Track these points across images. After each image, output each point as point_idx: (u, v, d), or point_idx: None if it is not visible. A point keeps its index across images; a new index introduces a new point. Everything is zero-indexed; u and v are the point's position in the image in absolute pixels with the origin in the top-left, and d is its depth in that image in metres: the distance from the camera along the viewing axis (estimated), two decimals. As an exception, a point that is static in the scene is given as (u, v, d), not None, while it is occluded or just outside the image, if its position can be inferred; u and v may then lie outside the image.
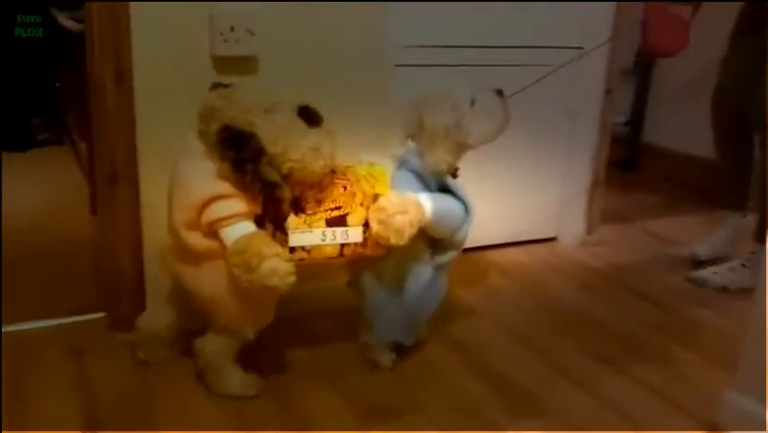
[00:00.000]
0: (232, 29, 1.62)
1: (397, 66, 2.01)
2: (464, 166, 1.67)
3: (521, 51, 2.26)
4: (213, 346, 1.49)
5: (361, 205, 1.47)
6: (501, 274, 2.27)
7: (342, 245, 1.47)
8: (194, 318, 1.54)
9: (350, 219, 1.46)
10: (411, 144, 1.59)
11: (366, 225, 1.47)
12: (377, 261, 1.56)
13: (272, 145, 1.34)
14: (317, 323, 1.84)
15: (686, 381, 1.70)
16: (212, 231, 1.36)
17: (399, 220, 1.43)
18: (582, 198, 2.56)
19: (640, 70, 3.57)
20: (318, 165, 1.39)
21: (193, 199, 1.35)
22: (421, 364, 1.70)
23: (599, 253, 2.52)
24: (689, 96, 3.48)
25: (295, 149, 1.35)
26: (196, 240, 1.37)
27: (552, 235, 2.58)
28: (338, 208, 1.45)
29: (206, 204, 1.34)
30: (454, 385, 1.63)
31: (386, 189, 1.50)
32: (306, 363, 1.67)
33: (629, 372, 1.72)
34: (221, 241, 1.36)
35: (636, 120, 3.67)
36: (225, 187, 1.34)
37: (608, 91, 2.48)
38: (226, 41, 1.63)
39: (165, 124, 1.63)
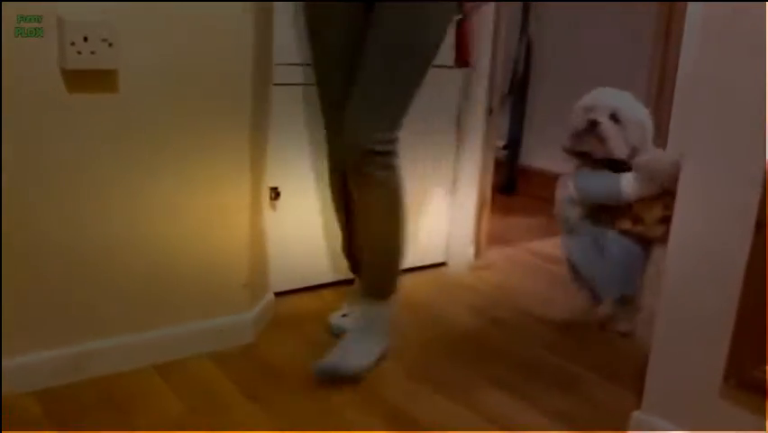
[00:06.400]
0: (85, 39, 1.43)
1: (275, 85, 1.89)
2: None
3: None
4: None
5: None
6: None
7: None
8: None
9: None
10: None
11: None
12: None
13: None
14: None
15: (592, 402, 1.64)
16: None
17: None
18: (470, 222, 2.50)
19: (516, 92, 3.60)
20: None
21: None
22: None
23: (489, 276, 2.46)
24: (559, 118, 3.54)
25: None
26: None
27: (440, 261, 2.50)
28: None
29: None
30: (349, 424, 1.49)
31: None
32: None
33: (533, 397, 1.64)
34: None
35: (514, 142, 3.69)
36: None
37: (490, 111, 2.45)
38: (80, 52, 1.43)
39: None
